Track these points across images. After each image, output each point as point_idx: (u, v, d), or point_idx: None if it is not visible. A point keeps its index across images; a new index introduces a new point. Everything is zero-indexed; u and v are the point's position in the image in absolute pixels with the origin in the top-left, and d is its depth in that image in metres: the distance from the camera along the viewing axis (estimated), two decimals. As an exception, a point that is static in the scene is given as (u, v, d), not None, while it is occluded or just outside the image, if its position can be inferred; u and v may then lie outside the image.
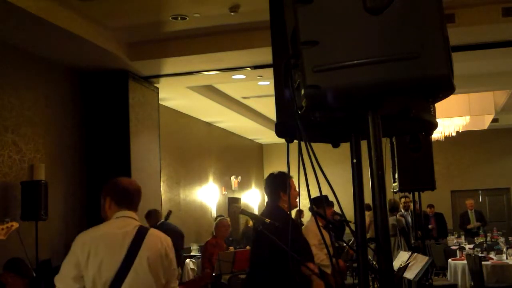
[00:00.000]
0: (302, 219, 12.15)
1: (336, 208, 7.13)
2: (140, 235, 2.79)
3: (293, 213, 8.05)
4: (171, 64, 8.27)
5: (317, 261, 5.18)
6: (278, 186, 4.01)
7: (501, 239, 10.45)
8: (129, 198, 2.92)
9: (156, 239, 2.86)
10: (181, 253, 8.31)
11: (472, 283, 7.79)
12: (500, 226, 13.43)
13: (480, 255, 8.23)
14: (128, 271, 2.69)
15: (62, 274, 2.72)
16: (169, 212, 8.65)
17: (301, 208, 11.47)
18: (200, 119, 12.66)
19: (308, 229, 5.49)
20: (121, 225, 2.83)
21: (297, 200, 3.95)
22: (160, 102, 9.51)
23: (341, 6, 1.37)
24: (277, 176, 4.06)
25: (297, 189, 3.77)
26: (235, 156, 14.74)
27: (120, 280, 2.68)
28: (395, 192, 5.63)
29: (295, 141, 1.63)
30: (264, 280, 3.83)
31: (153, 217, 7.76)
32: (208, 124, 13.21)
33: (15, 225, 5.29)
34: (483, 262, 7.72)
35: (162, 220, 8.09)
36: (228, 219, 8.22)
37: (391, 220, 8.48)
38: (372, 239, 1.59)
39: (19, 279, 4.90)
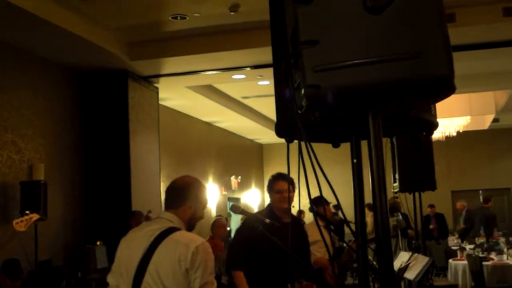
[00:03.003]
0: (304, 219, 12.19)
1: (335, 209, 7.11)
2: (159, 239, 2.62)
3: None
4: (171, 64, 8.26)
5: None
6: (267, 188, 4.07)
7: (502, 240, 10.45)
8: (166, 198, 2.80)
9: (173, 243, 2.59)
10: None
11: (473, 284, 7.79)
12: (501, 226, 13.42)
13: (480, 255, 8.23)
14: (143, 276, 2.59)
15: (111, 270, 2.78)
16: (149, 212, 8.44)
17: (301, 208, 11.48)
18: (200, 119, 12.66)
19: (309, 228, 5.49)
20: (151, 227, 2.72)
21: (284, 203, 3.87)
22: (160, 102, 9.51)
23: (341, 6, 1.37)
24: (269, 179, 4.08)
25: (287, 192, 3.79)
26: (235, 156, 14.74)
27: (137, 284, 2.60)
28: (395, 192, 5.62)
29: (295, 141, 1.63)
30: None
31: (135, 218, 7.69)
32: (208, 124, 13.21)
33: (35, 216, 5.27)
34: (483, 263, 7.72)
35: (144, 222, 7.92)
36: (226, 219, 8.20)
37: (392, 220, 8.47)
38: (373, 239, 1.58)
39: (9, 281, 4.90)
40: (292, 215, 3.98)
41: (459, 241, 11.45)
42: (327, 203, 6.20)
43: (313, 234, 5.16)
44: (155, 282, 2.57)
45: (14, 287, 4.92)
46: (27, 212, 5.47)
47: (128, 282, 2.63)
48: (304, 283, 3.26)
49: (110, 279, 2.77)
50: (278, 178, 3.96)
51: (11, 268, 5.00)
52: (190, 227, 2.80)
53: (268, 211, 3.92)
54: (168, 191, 2.82)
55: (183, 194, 2.76)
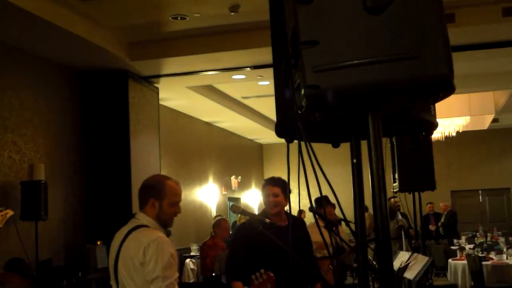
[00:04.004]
0: (304, 219, 12.19)
1: (336, 209, 7.08)
2: (125, 238, 2.76)
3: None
4: (171, 64, 8.27)
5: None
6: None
7: (501, 239, 10.47)
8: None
9: (133, 241, 2.72)
10: None
11: (472, 283, 7.79)
12: (500, 226, 13.43)
13: (480, 255, 8.24)
14: (117, 271, 2.75)
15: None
16: None
17: (301, 208, 11.49)
18: (200, 119, 12.66)
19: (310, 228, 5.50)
20: (126, 227, 2.84)
21: (272, 207, 3.85)
22: (160, 102, 9.51)
23: (341, 6, 1.37)
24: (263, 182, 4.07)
25: (274, 196, 3.79)
26: (235, 156, 14.74)
27: (116, 279, 2.77)
28: (395, 192, 5.63)
29: (295, 141, 1.63)
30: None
31: None
32: (208, 124, 13.21)
33: (10, 212, 5.31)
34: (483, 262, 7.73)
35: None
36: (227, 220, 8.20)
37: (398, 222, 8.45)
38: (373, 239, 1.59)
39: (20, 279, 4.88)
40: (292, 216, 3.94)
41: (463, 238, 11.50)
42: (332, 204, 6.19)
43: (313, 235, 5.16)
44: (124, 278, 2.72)
45: (25, 285, 4.90)
46: (0, 208, 5.52)
47: (113, 279, 2.80)
48: (265, 273, 3.27)
49: (111, 281, 2.85)
50: (267, 182, 3.92)
51: (21, 266, 4.98)
52: (163, 223, 2.86)
53: (264, 214, 3.90)
54: (138, 191, 2.92)
55: (144, 193, 2.87)
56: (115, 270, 2.75)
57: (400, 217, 9.00)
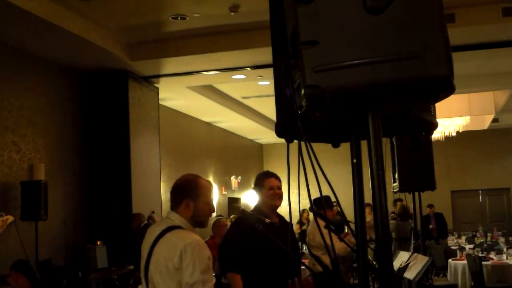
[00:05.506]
0: (307, 218, 12.19)
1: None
2: (157, 238, 2.69)
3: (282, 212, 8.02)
4: (171, 64, 8.27)
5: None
6: (255, 186, 4.02)
7: (501, 239, 10.47)
8: (170, 199, 2.85)
9: (167, 243, 2.65)
10: None
11: (472, 283, 7.79)
12: (500, 226, 13.43)
13: (480, 255, 8.23)
14: (148, 273, 2.70)
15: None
16: (152, 212, 8.36)
17: (301, 208, 11.48)
18: (200, 119, 12.66)
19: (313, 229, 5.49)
20: (157, 227, 2.80)
21: (277, 199, 3.87)
22: (160, 102, 9.51)
23: (341, 6, 1.37)
24: (257, 176, 4.05)
25: (279, 189, 3.82)
26: (235, 156, 14.74)
27: (146, 278, 2.71)
28: (395, 192, 5.62)
29: (295, 141, 1.63)
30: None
31: (135, 220, 7.67)
32: (208, 124, 13.21)
33: (10, 218, 5.33)
34: (483, 262, 7.72)
35: (145, 222, 7.79)
36: (228, 220, 8.18)
37: (411, 223, 8.42)
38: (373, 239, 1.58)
39: (26, 280, 4.88)
40: (279, 215, 3.96)
41: (463, 238, 11.45)
42: (333, 205, 6.18)
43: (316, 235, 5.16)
44: (156, 279, 2.66)
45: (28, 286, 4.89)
46: (1, 213, 5.54)
47: (144, 279, 2.74)
48: (302, 279, 3.26)
49: (141, 279, 2.81)
50: (269, 175, 3.95)
51: (28, 269, 4.98)
52: (197, 223, 2.80)
53: (257, 211, 3.88)
54: (170, 192, 2.86)
55: (179, 193, 2.79)
56: (146, 270, 2.71)
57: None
